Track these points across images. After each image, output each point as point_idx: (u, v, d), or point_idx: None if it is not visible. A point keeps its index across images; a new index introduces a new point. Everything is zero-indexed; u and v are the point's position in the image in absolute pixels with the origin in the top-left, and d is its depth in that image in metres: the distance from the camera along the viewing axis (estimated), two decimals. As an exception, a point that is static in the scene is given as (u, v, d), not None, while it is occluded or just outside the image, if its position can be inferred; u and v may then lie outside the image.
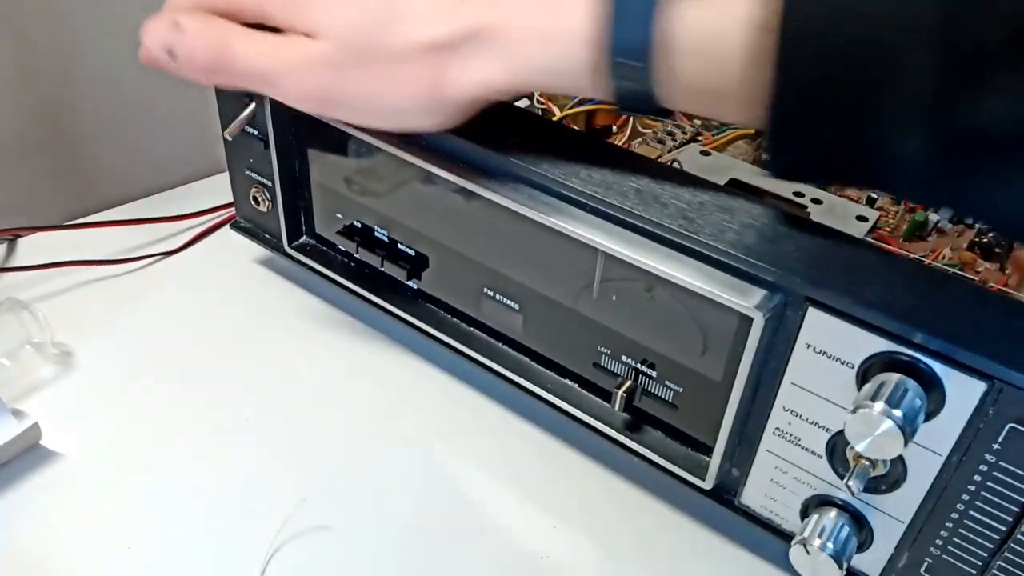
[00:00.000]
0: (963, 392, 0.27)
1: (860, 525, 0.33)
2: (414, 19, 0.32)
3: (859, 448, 0.28)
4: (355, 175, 0.44)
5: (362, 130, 0.39)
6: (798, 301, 0.30)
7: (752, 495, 0.36)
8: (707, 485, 0.36)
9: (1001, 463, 0.28)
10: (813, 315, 0.29)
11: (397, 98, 0.33)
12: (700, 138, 0.54)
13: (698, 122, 0.56)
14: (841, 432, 0.31)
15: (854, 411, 0.28)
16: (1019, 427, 0.27)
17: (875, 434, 0.27)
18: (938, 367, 0.28)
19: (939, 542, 0.31)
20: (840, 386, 0.30)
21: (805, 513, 0.34)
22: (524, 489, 0.41)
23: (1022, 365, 0.26)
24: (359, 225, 0.45)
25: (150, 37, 0.35)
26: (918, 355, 0.28)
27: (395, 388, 0.46)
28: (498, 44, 0.32)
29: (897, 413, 0.27)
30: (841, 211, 0.46)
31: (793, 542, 0.33)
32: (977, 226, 0.48)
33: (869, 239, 0.45)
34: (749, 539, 0.39)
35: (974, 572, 0.31)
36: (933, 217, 0.48)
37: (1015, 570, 0.30)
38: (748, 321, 0.31)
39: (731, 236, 0.31)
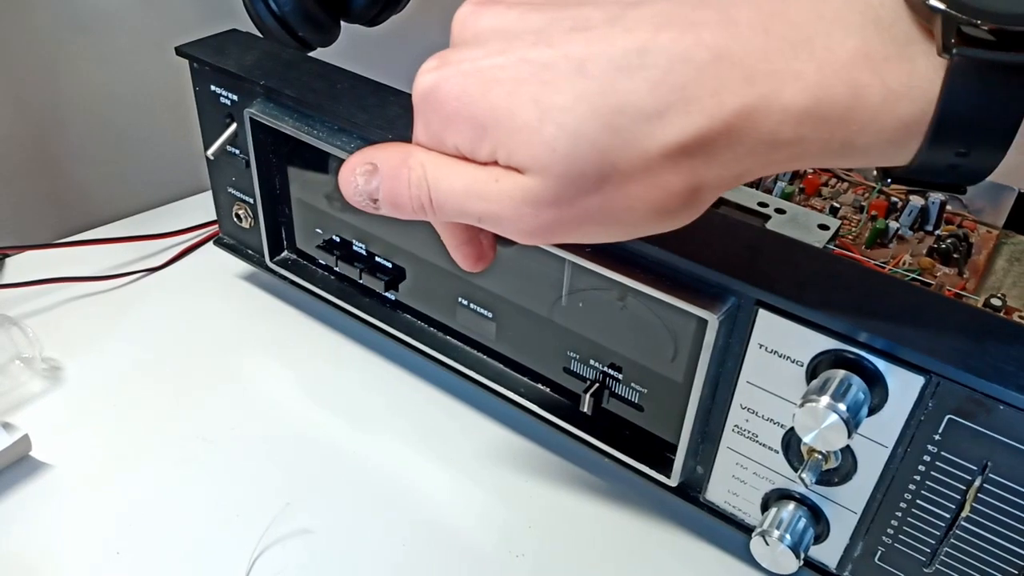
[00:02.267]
0: (904, 386, 0.29)
1: (817, 517, 0.34)
2: (643, 119, 0.23)
3: (807, 440, 0.30)
4: (334, 191, 0.45)
5: (339, 148, 0.41)
6: (749, 304, 0.32)
7: (716, 491, 0.37)
8: (673, 482, 0.38)
9: (942, 453, 0.30)
10: (764, 317, 0.31)
11: (642, 215, 0.25)
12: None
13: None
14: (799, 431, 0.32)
15: (801, 405, 0.30)
16: (957, 418, 0.29)
17: (821, 427, 0.29)
18: (880, 363, 0.29)
19: (890, 531, 0.33)
20: (791, 383, 0.32)
21: (765, 507, 0.36)
22: (499, 490, 0.42)
23: (958, 360, 0.28)
24: (338, 239, 0.47)
25: (347, 188, 0.29)
26: (862, 352, 0.30)
27: (374, 395, 0.47)
28: (776, 131, 0.23)
29: (841, 407, 0.29)
30: (803, 220, 0.48)
31: (753, 534, 0.34)
32: (936, 232, 0.50)
33: (830, 247, 0.47)
34: (714, 533, 0.40)
35: (923, 559, 0.32)
36: (893, 224, 0.50)
37: (960, 555, 0.31)
38: (703, 324, 0.32)
39: (688, 245, 0.33)
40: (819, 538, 0.35)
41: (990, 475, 0.29)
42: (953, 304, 0.32)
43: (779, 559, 0.34)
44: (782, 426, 0.33)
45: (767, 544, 0.34)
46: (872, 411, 0.30)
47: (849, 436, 0.29)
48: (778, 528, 0.34)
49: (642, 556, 0.40)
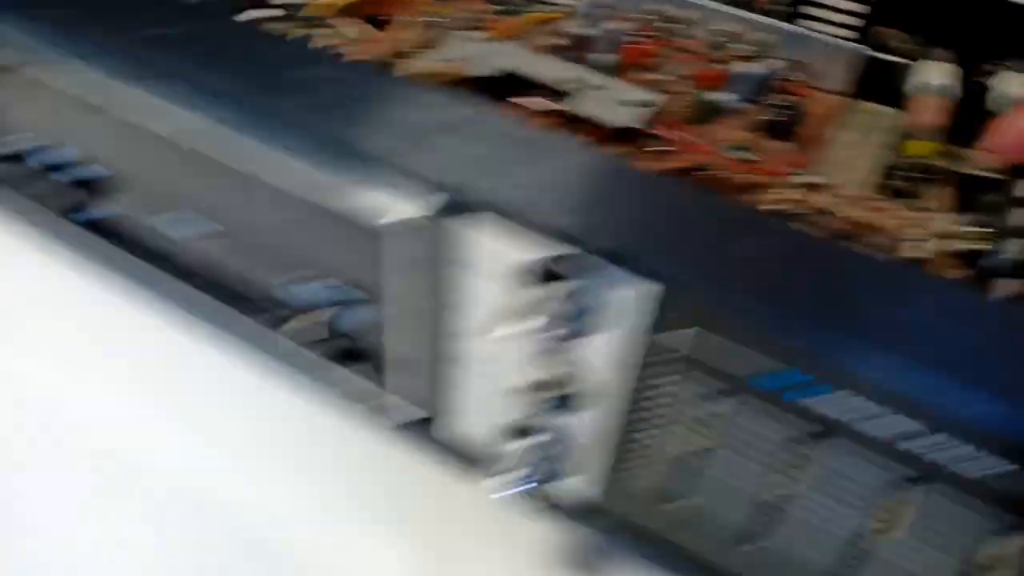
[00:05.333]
0: (633, 296, 0.25)
1: (558, 449, 0.31)
2: None
3: (535, 368, 0.27)
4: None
5: None
6: (460, 209, 0.27)
7: (458, 426, 0.34)
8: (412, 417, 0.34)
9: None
10: (477, 223, 0.27)
11: None
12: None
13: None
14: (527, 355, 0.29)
15: (524, 325, 0.26)
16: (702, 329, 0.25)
17: (549, 346, 0.26)
18: (609, 271, 0.25)
19: (632, 453, 0.30)
20: (514, 300, 0.27)
21: (507, 441, 0.32)
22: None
23: (689, 267, 0.25)
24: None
25: None
26: (587, 260, 0.26)
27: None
28: None
29: (566, 321, 0.26)
30: (617, 95, 0.43)
31: (492, 471, 0.31)
32: (769, 103, 0.45)
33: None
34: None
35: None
36: (723, 96, 0.45)
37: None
38: (398, 235, 0.27)
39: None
40: (564, 471, 0.31)
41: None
42: (683, 203, 0.28)
43: (523, 495, 0.31)
44: (511, 355, 0.29)
45: (509, 481, 0.30)
46: (599, 326, 0.26)
47: (575, 352, 0.26)
48: (521, 463, 0.30)
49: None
